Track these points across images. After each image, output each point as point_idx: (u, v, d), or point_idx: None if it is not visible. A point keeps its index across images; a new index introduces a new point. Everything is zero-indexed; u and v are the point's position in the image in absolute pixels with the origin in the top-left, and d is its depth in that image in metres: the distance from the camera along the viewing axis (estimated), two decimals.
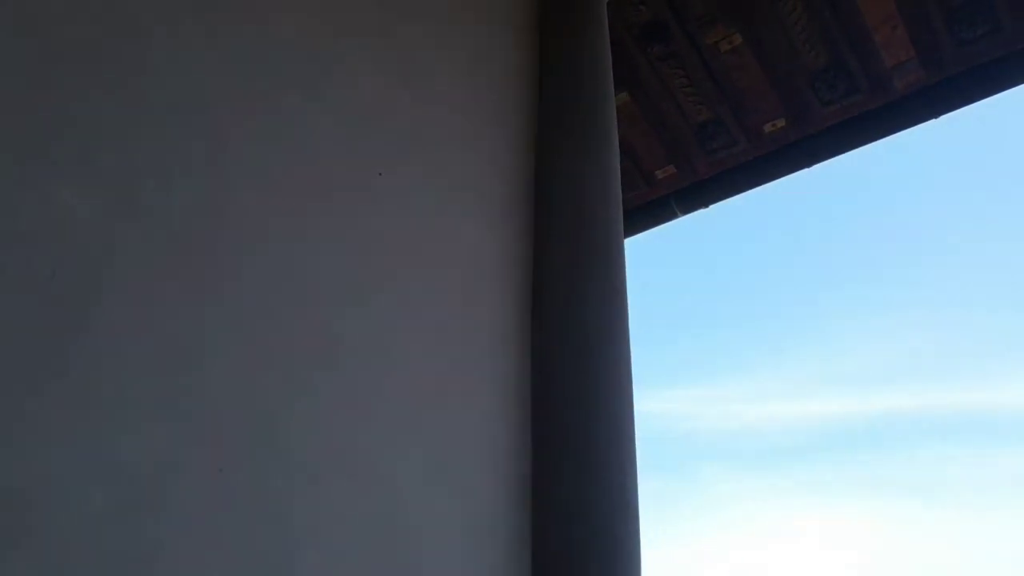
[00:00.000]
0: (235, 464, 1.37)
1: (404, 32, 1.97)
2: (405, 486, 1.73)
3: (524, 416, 2.00)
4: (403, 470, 1.74)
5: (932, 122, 3.05)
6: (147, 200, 1.37)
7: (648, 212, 3.36)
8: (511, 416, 1.99)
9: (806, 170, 3.24)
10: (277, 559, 1.44)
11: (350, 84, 1.82)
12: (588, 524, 1.87)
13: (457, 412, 1.90)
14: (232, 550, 1.36)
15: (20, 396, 1.08)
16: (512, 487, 1.92)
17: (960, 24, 2.82)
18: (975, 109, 3.03)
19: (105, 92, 1.33)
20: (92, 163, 1.29)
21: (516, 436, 1.95)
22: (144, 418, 1.25)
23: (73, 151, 1.26)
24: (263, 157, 1.56)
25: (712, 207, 3.36)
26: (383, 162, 1.77)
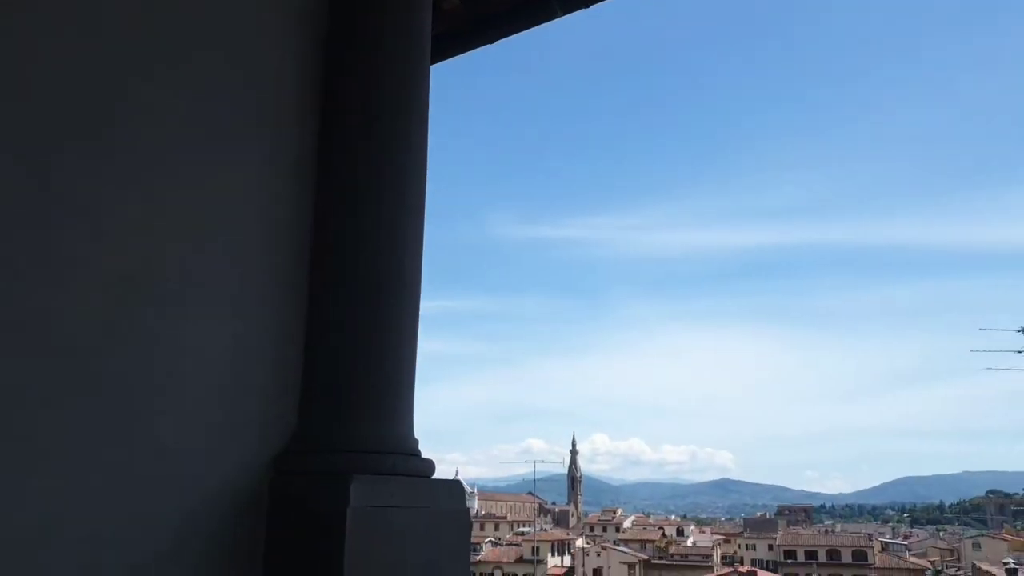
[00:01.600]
0: None
1: None
2: (164, 235, 1.67)
3: (306, 172, 1.96)
4: (162, 218, 1.67)
5: None
6: None
7: (524, 10, 3.10)
8: (292, 171, 1.93)
9: None
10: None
11: None
12: (358, 289, 1.84)
13: (228, 162, 1.83)
14: None
15: None
16: (292, 243, 1.90)
17: None
18: None
19: None
20: None
21: (295, 192, 1.91)
22: None
23: None
24: None
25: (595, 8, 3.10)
26: None
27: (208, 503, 1.70)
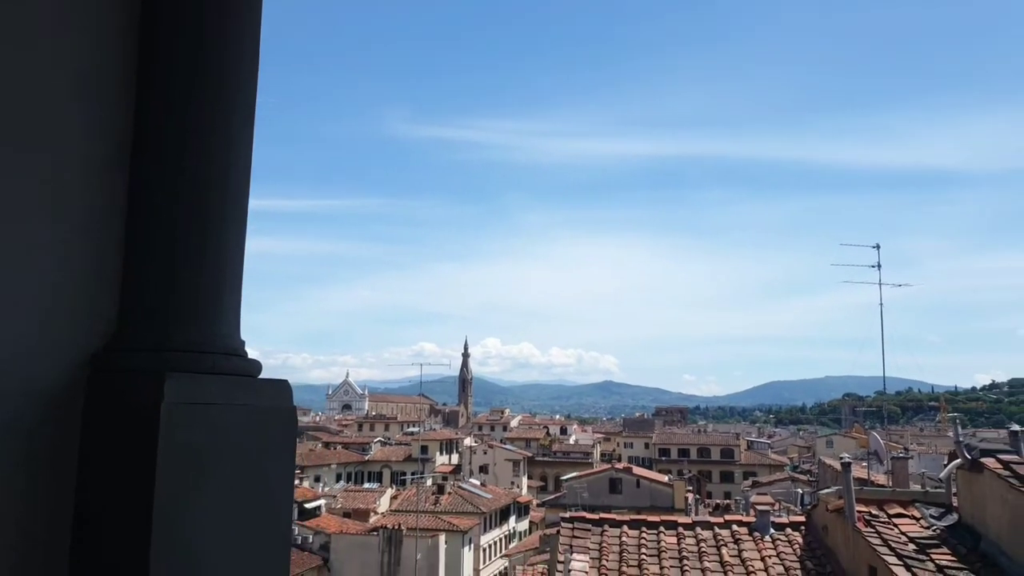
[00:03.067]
0: None
1: None
2: None
3: (126, 64, 1.89)
4: None
5: None
6: None
7: None
8: (110, 61, 1.88)
9: None
10: None
11: None
12: (182, 187, 1.80)
13: (38, 47, 1.73)
14: None
15: None
16: (111, 136, 1.85)
17: None
18: None
19: None
20: None
21: (114, 84, 1.84)
22: None
23: None
24: None
25: None
26: None
27: (21, 401, 1.65)
